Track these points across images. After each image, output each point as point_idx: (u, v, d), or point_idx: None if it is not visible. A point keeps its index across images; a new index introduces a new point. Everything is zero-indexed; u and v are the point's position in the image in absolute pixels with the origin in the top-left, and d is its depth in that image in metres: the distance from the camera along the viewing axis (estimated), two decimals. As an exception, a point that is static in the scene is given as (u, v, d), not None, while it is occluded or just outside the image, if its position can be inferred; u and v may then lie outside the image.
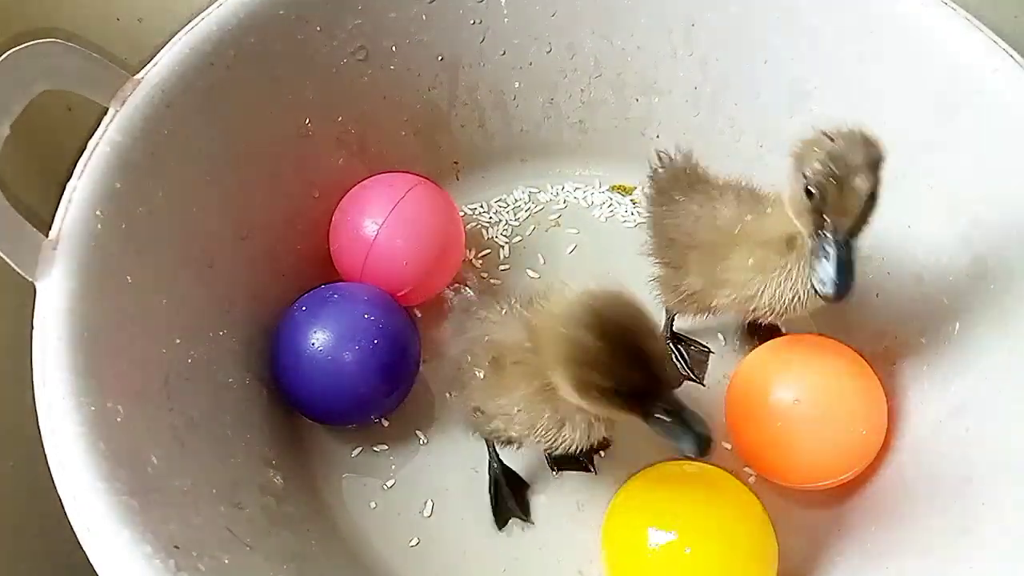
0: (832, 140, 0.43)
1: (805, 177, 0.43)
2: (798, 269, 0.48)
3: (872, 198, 0.42)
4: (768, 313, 0.51)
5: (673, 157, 0.58)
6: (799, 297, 0.49)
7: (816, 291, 0.44)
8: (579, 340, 0.38)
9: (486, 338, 0.48)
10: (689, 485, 0.51)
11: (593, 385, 0.39)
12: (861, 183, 0.42)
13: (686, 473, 0.52)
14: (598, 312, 0.38)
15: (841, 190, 0.42)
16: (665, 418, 0.39)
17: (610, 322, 0.37)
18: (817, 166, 0.42)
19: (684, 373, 0.62)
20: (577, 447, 0.46)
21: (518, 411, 0.46)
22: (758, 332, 0.62)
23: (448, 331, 0.54)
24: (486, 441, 0.55)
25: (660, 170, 0.59)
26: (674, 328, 0.63)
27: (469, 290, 0.55)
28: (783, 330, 0.62)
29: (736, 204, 0.52)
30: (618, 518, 0.52)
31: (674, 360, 0.63)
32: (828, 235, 0.43)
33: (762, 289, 0.50)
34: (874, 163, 0.42)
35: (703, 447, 0.39)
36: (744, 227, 0.51)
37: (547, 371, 0.42)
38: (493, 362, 0.48)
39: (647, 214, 0.59)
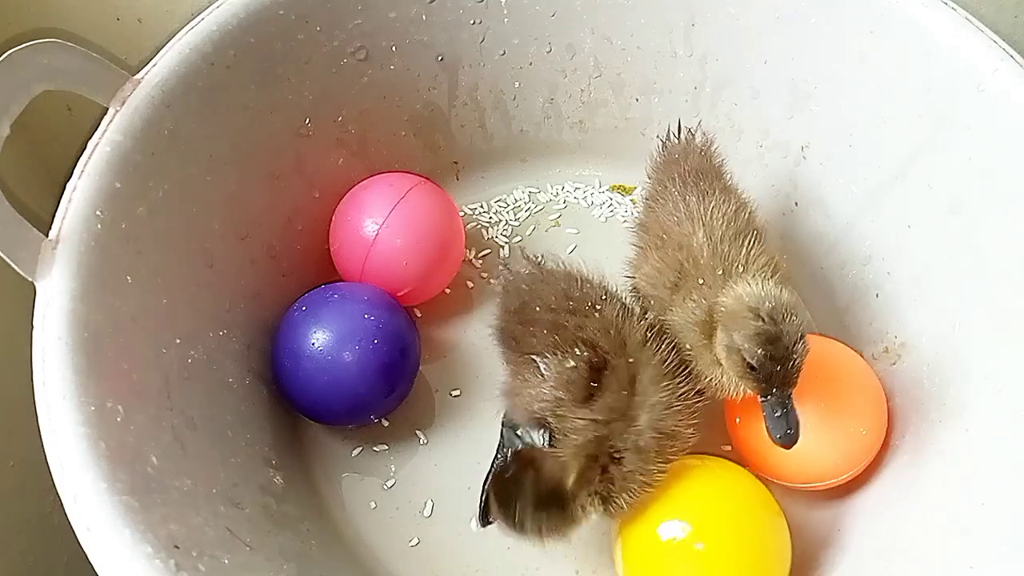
0: (763, 320, 0.45)
1: (744, 357, 0.45)
2: (710, 356, 0.49)
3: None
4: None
5: (692, 136, 0.57)
6: (714, 380, 0.50)
7: (774, 440, 0.47)
8: None
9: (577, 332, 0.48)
10: (703, 479, 0.51)
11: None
12: (799, 359, 0.45)
13: (700, 467, 0.52)
14: None
15: (785, 368, 0.45)
16: None
17: None
18: (758, 351, 0.45)
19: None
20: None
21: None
22: None
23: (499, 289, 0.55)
24: (504, 425, 0.53)
25: (672, 142, 0.58)
26: None
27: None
28: None
29: (706, 241, 0.51)
30: (632, 513, 0.51)
31: None
32: (775, 399, 0.46)
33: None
34: (803, 333, 0.45)
35: None
36: (679, 282, 0.51)
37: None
38: (590, 366, 0.48)
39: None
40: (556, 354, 0.49)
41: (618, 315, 0.49)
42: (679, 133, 0.58)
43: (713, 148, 0.57)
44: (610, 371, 0.47)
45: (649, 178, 0.58)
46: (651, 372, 0.48)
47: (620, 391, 0.47)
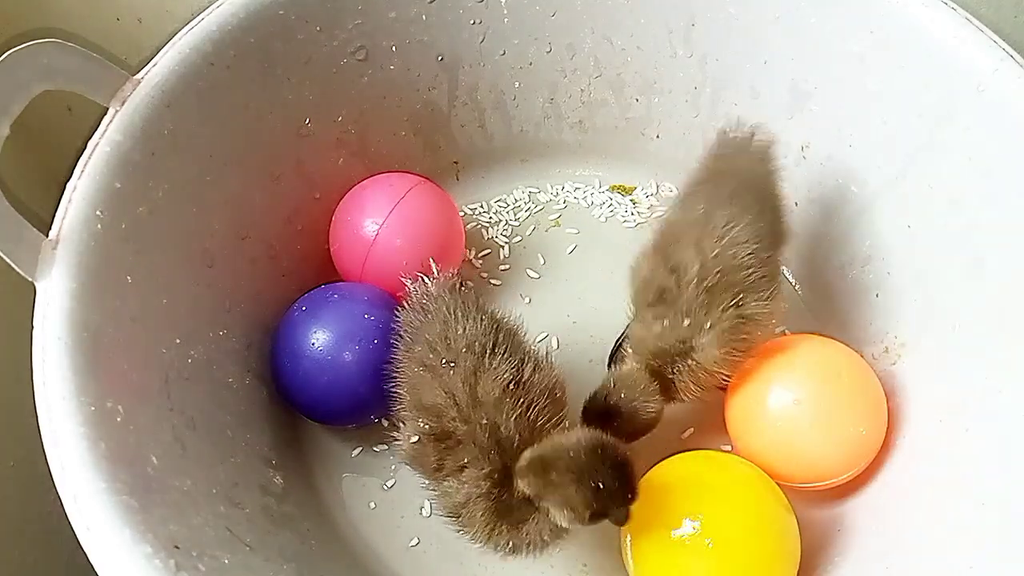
0: None
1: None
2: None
3: None
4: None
5: (751, 137, 0.56)
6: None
7: None
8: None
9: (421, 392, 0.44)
10: (712, 474, 0.51)
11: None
12: None
13: (709, 462, 0.52)
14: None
15: None
16: None
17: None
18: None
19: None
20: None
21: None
22: None
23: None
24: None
25: (729, 135, 0.56)
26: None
27: (427, 280, 0.50)
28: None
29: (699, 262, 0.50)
30: (643, 507, 0.51)
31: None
32: None
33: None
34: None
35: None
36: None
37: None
38: (428, 435, 0.44)
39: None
40: (403, 425, 0.46)
41: (476, 370, 0.44)
42: (737, 129, 0.56)
43: (770, 153, 0.55)
44: (461, 439, 0.43)
45: (698, 162, 0.57)
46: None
47: (481, 457, 0.43)
